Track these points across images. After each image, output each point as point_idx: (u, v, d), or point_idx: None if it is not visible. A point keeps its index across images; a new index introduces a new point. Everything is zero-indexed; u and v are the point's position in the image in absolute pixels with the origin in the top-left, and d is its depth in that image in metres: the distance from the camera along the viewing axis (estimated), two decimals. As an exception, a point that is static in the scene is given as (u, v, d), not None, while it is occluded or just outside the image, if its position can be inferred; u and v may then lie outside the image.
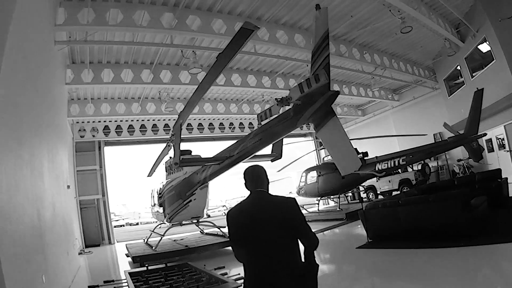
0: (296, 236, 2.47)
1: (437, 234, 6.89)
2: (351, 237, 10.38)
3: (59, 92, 10.29)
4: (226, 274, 5.92)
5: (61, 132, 10.12)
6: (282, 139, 9.64)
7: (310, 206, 17.42)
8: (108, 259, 12.75)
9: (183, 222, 10.89)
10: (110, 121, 17.25)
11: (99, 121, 16.95)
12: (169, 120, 18.17)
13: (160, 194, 11.80)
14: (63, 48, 9.69)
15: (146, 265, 7.34)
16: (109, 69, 11.77)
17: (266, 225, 2.42)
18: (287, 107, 6.13)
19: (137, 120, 17.80)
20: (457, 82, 16.63)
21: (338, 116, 5.52)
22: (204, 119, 19.80)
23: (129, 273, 6.42)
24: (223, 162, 8.26)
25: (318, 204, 16.61)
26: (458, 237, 6.39)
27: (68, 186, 10.15)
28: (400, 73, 16.20)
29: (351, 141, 17.16)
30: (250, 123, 21.88)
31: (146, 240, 11.80)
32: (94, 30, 9.00)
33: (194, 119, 19.42)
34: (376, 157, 14.09)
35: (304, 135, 25.70)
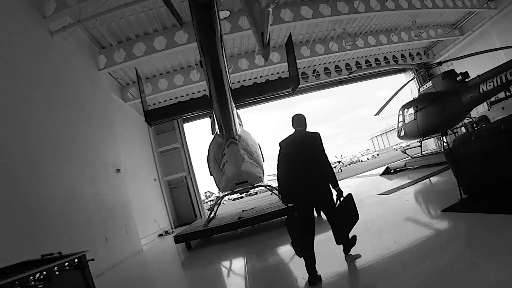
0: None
1: None
2: (446, 190, 6.70)
3: (90, 78, 10.04)
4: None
5: (100, 117, 9.88)
6: (293, 53, 7.36)
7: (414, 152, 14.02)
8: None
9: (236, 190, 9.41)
10: (182, 96, 16.77)
11: (171, 99, 16.66)
12: (238, 82, 16.85)
13: (207, 160, 10.30)
14: (76, 31, 9.17)
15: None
16: (140, 42, 11.02)
17: (302, 148, 4.10)
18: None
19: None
20: None
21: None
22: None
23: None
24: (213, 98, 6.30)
25: (420, 146, 12.87)
26: None
27: (118, 170, 9.95)
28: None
29: (448, 61, 12.42)
30: (337, 66, 18.83)
31: (211, 214, 10.30)
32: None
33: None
34: (479, 76, 10.07)
35: (404, 70, 21.04)
